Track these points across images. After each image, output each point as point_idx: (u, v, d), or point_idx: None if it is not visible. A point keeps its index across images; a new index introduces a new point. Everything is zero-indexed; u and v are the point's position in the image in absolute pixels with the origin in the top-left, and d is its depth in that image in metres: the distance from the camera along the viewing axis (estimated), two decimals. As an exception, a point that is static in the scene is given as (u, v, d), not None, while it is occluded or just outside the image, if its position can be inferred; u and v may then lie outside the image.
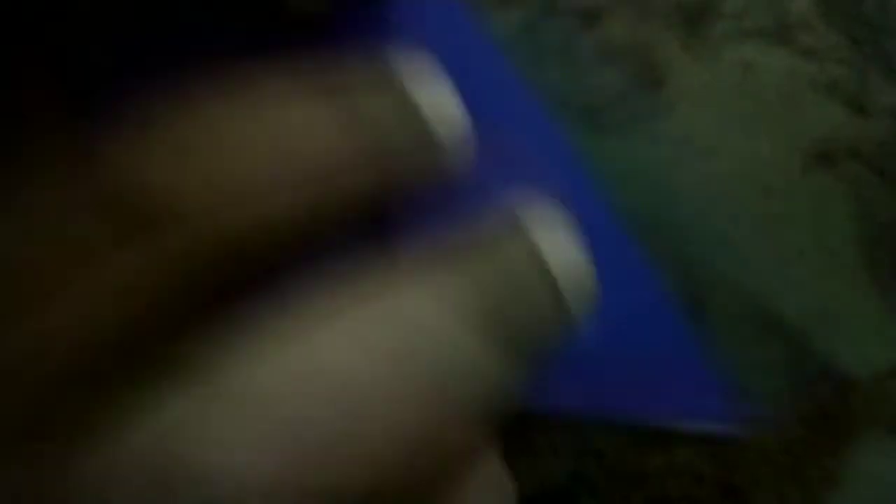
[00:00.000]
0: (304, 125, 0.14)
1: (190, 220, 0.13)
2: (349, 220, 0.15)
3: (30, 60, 0.15)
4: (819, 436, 0.26)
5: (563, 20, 0.31)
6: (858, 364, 0.27)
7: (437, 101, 0.16)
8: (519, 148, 0.21)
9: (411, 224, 0.18)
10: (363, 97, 0.15)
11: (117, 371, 0.12)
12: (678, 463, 0.26)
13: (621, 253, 0.24)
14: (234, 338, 0.13)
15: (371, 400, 0.12)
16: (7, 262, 0.12)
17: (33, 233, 0.13)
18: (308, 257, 0.14)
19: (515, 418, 0.26)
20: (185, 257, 0.13)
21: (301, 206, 0.14)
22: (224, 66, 0.15)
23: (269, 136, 0.13)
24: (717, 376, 0.24)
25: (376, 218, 0.16)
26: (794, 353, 0.27)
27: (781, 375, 0.26)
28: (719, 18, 0.31)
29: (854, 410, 0.26)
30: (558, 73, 0.30)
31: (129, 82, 0.17)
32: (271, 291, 0.14)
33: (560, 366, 0.20)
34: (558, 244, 0.15)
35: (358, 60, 0.16)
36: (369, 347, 0.13)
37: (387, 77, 0.16)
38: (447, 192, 0.18)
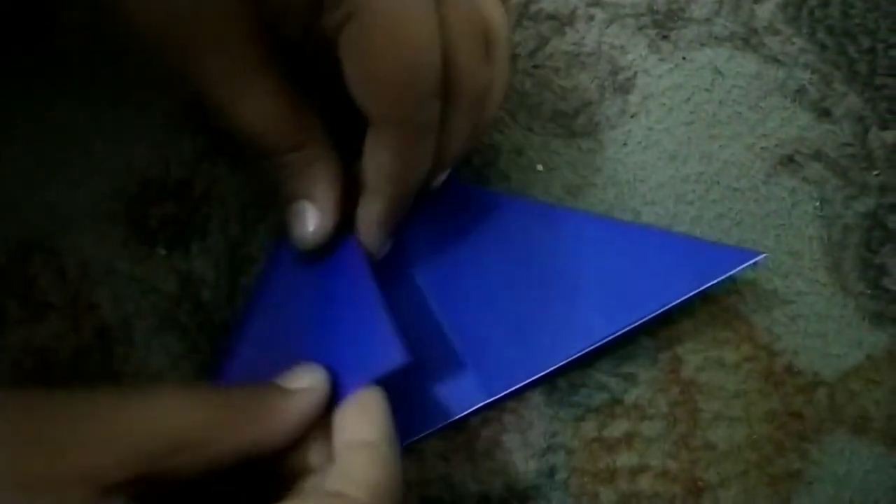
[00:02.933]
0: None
1: None
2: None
3: None
4: (785, 434, 0.26)
5: (535, 25, 0.31)
6: (823, 364, 0.27)
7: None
8: None
9: None
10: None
11: None
12: (647, 460, 0.26)
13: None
14: None
15: None
16: None
17: None
18: None
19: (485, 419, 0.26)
20: None
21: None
22: None
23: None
24: None
25: None
26: (760, 353, 0.27)
27: (749, 375, 0.27)
28: (688, 23, 0.31)
29: (819, 410, 0.27)
30: (530, 78, 0.30)
31: None
32: None
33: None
34: None
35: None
36: None
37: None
38: None
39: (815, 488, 0.26)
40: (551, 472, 0.26)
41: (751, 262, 0.26)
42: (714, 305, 0.27)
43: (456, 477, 0.25)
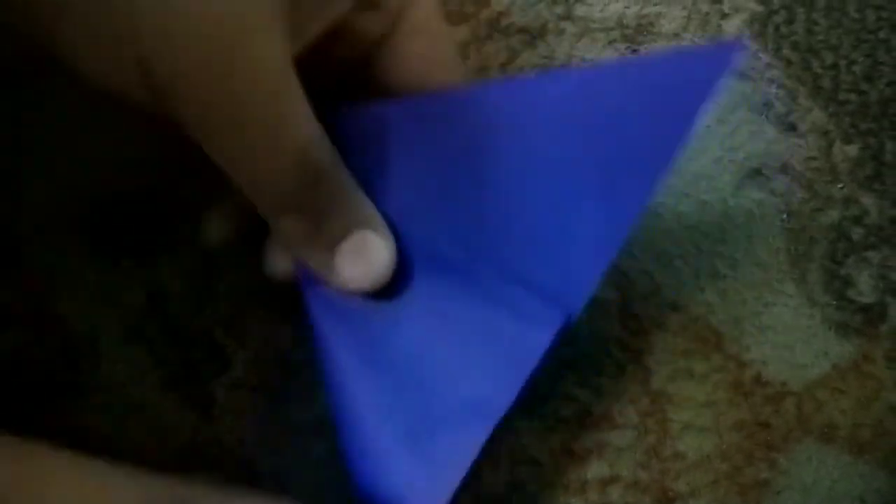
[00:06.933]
0: None
1: None
2: None
3: None
4: (754, 444, 0.26)
5: (506, 38, 0.31)
6: (791, 374, 0.27)
7: None
8: None
9: None
10: None
11: None
12: (618, 471, 0.26)
13: None
14: None
15: None
16: None
17: None
18: None
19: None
20: None
21: None
22: None
23: None
24: None
25: None
26: (728, 364, 0.27)
27: (718, 385, 0.27)
28: (657, 38, 0.32)
29: (787, 419, 0.27)
30: (501, 89, 0.30)
31: None
32: None
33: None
34: None
35: None
36: None
37: None
38: None
39: (783, 497, 0.26)
40: (520, 484, 0.26)
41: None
42: (683, 316, 0.28)
43: (426, 489, 0.25)
